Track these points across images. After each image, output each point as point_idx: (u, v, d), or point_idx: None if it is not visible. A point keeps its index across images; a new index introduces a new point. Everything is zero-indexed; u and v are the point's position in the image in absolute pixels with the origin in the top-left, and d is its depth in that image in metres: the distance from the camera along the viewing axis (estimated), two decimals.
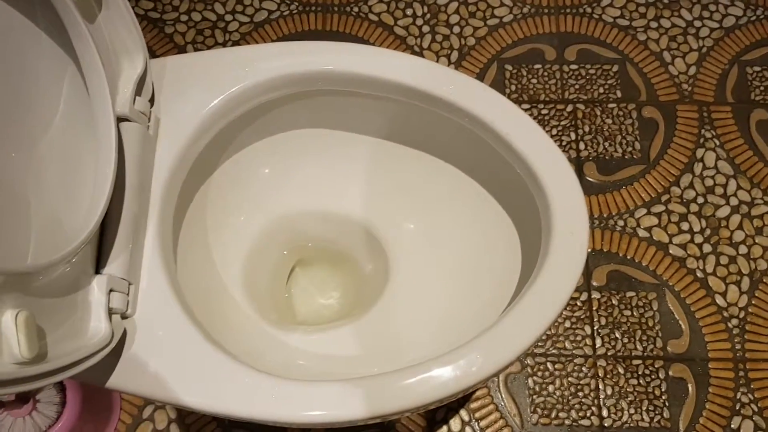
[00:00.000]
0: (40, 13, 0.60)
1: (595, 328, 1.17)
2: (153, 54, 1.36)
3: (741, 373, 1.13)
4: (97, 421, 1.09)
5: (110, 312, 0.64)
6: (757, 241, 1.21)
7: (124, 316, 0.67)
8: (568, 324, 1.17)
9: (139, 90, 0.71)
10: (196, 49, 1.38)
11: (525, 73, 1.34)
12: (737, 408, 1.12)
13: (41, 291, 0.56)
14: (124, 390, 0.67)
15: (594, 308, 1.18)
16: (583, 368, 1.15)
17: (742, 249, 1.21)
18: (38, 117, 0.61)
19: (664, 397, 1.13)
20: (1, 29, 0.58)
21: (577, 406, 1.13)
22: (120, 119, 0.68)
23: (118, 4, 0.66)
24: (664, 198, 1.24)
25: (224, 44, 1.38)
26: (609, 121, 1.30)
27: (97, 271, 0.66)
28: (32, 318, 0.52)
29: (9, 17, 0.59)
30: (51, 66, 0.62)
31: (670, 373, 1.14)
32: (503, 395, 1.13)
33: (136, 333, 0.67)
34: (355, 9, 1.40)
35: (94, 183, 0.63)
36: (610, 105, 1.31)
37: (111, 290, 0.64)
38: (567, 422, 1.12)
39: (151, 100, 0.74)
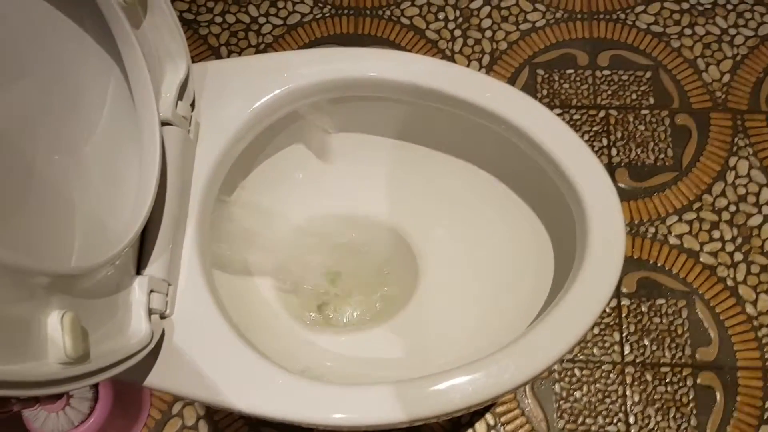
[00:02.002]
0: (87, 18, 0.61)
1: (624, 334, 1.16)
2: None
3: None
4: (128, 416, 1.10)
5: (150, 312, 0.65)
6: None
7: (162, 316, 0.68)
8: (596, 330, 1.17)
9: (181, 94, 0.72)
10: (229, 51, 1.39)
11: (557, 78, 1.34)
12: (765, 417, 1.11)
13: (85, 292, 0.57)
14: (161, 389, 0.68)
15: (623, 315, 1.17)
16: (611, 375, 1.14)
17: None
18: (83, 120, 0.63)
19: (691, 405, 1.12)
20: (48, 33, 0.59)
21: (604, 413, 1.13)
22: (162, 123, 0.69)
23: (163, 10, 0.67)
24: (695, 206, 1.24)
25: (257, 47, 1.39)
26: (642, 127, 1.29)
27: (138, 272, 0.67)
28: (77, 319, 0.53)
29: (57, 22, 0.60)
30: (96, 70, 0.64)
31: (698, 381, 1.14)
32: (530, 400, 1.14)
33: (173, 333, 0.68)
34: (387, 12, 1.41)
35: (137, 186, 0.64)
36: (643, 111, 1.30)
37: (151, 291, 0.65)
38: (593, 428, 1.12)
39: (192, 105, 0.75)
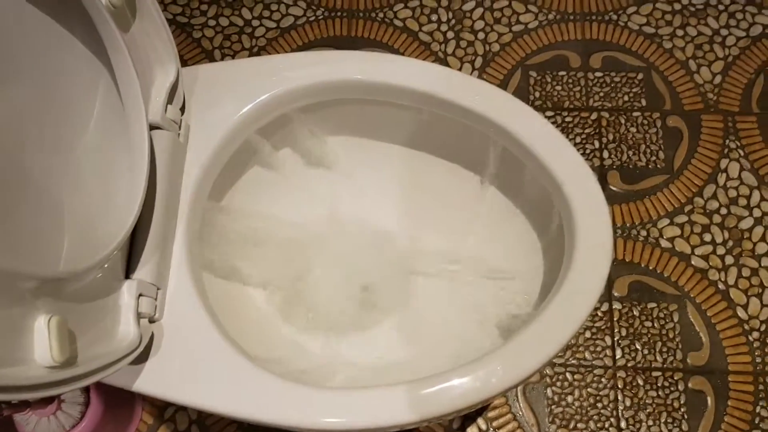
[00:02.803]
0: (76, 23, 0.61)
1: (615, 338, 1.16)
2: (180, 58, 1.37)
3: (761, 387, 1.13)
4: (120, 421, 1.10)
5: (139, 316, 0.65)
6: None
7: (151, 320, 0.68)
8: (588, 334, 1.17)
9: (170, 98, 0.72)
10: (223, 54, 1.39)
11: (549, 80, 1.34)
12: (756, 422, 1.11)
13: (73, 296, 0.57)
14: (150, 393, 0.68)
15: (615, 319, 1.17)
16: (603, 379, 1.14)
17: (765, 261, 1.20)
18: (73, 124, 0.63)
19: (682, 410, 1.12)
20: (38, 38, 0.59)
21: (595, 417, 1.13)
22: (152, 127, 0.69)
23: (152, 14, 0.67)
24: (687, 208, 1.24)
25: (251, 49, 1.39)
26: (633, 129, 1.29)
27: (127, 276, 0.67)
28: (64, 323, 0.53)
29: (46, 26, 0.60)
30: (86, 74, 0.64)
31: (690, 385, 1.14)
32: (521, 405, 1.14)
33: (162, 337, 0.68)
34: (381, 15, 1.41)
35: (126, 190, 0.64)
36: (635, 113, 1.30)
37: (140, 295, 0.65)
38: None
39: (182, 108, 0.75)
